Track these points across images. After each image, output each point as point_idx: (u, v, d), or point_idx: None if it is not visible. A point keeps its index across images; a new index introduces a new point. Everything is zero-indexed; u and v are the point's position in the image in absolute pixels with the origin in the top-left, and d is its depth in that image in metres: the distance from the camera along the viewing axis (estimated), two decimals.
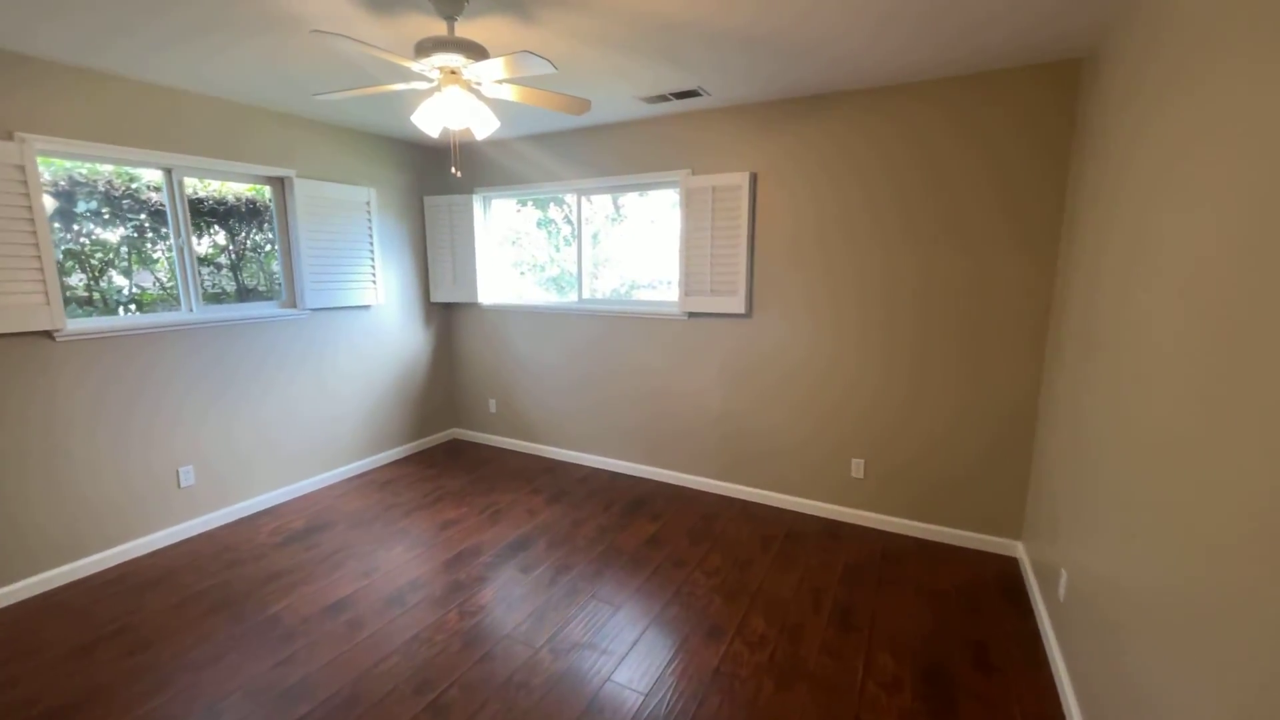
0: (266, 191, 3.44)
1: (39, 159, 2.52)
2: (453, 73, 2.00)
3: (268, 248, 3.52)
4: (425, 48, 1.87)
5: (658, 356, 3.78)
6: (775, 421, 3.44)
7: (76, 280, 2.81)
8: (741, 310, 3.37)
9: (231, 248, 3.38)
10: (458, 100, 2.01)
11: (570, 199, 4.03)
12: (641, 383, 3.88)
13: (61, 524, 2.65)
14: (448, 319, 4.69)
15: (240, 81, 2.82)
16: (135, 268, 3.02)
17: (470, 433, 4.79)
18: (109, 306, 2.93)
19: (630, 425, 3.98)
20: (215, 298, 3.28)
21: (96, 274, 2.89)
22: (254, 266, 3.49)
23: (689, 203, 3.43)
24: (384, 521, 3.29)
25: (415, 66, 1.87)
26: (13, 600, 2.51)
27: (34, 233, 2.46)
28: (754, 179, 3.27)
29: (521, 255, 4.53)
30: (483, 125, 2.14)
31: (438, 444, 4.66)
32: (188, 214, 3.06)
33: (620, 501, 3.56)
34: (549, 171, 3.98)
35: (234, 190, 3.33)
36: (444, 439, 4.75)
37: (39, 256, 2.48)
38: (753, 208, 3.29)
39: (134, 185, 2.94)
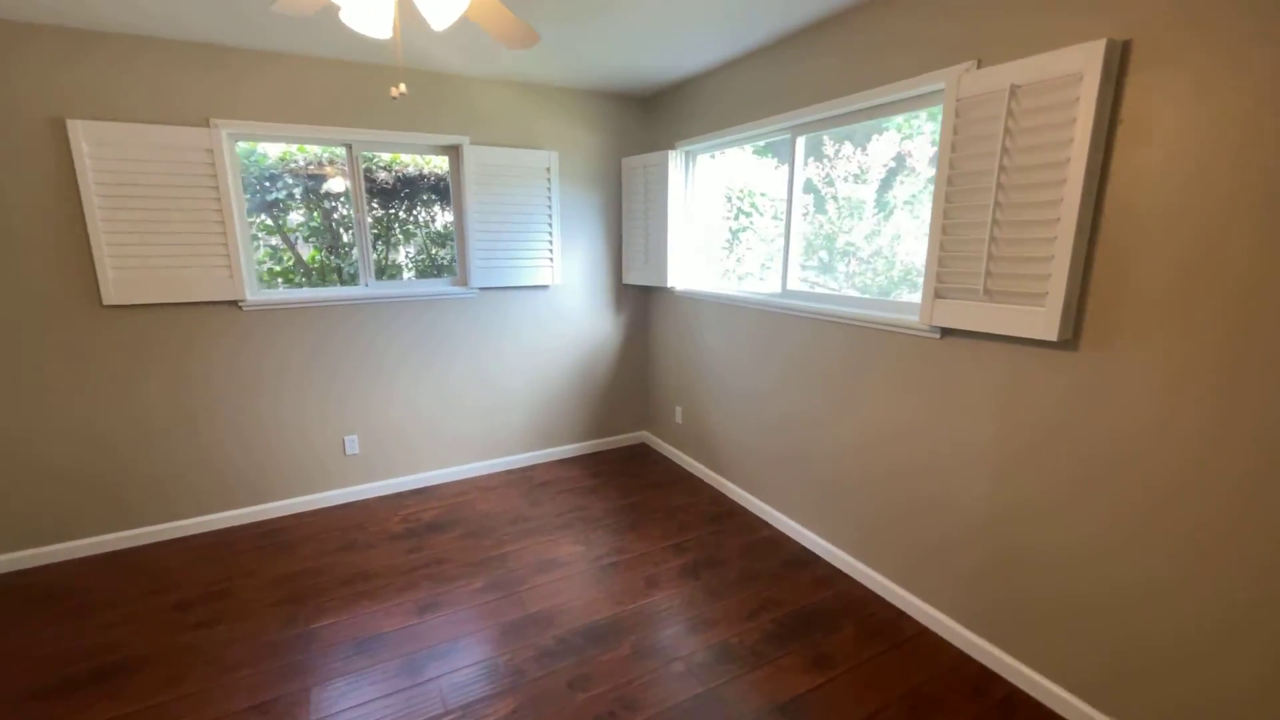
0: (446, 163, 3.26)
1: (229, 142, 2.71)
2: None
3: (442, 223, 3.38)
4: None
5: (881, 390, 2.31)
6: (1092, 540, 1.67)
7: (267, 253, 3.06)
8: (1051, 334, 1.66)
9: (408, 222, 3.32)
10: None
11: (793, 143, 2.75)
12: (854, 427, 2.46)
13: (247, 471, 2.98)
14: (644, 305, 3.99)
15: (414, 46, 2.56)
16: (319, 243, 3.19)
17: (658, 441, 4.06)
18: (298, 279, 3.15)
19: (830, 483, 2.61)
20: (395, 273, 3.28)
21: (289, 248, 3.12)
22: (428, 242, 3.39)
23: (961, 123, 1.83)
24: (496, 539, 2.84)
25: None
26: (197, 530, 2.92)
27: (220, 210, 2.67)
28: (1119, 57, 1.50)
29: (739, 229, 3.46)
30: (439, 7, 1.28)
31: (623, 446, 4.07)
32: (364, 189, 3.05)
33: (786, 604, 2.32)
34: (755, 104, 2.79)
35: (416, 162, 3.24)
36: (632, 441, 4.13)
37: (224, 234, 2.69)
38: (1108, 124, 1.53)
39: (316, 162, 3.04)
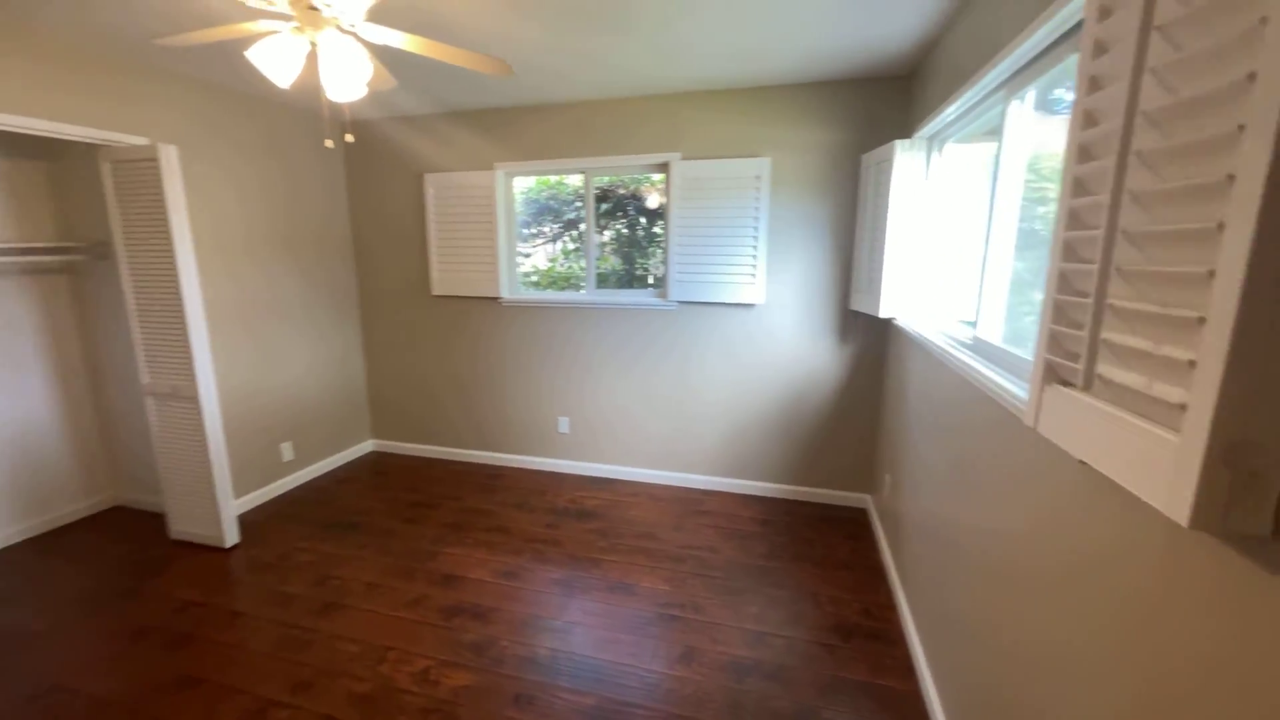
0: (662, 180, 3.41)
1: (504, 179, 3.59)
2: (310, 8, 1.46)
3: (651, 237, 3.54)
4: None
5: None
6: None
7: (528, 262, 3.88)
8: None
9: (638, 238, 3.62)
10: (326, 47, 1.49)
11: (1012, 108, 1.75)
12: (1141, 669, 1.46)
13: (495, 425, 3.94)
14: (881, 338, 3.16)
15: (623, 76, 2.89)
16: (561, 255, 3.83)
17: (877, 514, 3.19)
18: (543, 284, 3.88)
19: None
20: (619, 282, 3.66)
21: (551, 259, 3.88)
22: (641, 255, 3.61)
23: None
24: (610, 545, 2.90)
25: (253, 2, 1.49)
26: (459, 458, 4.01)
27: (492, 230, 3.60)
28: None
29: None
30: (348, 82, 1.49)
31: (828, 504, 3.38)
32: (594, 208, 3.52)
33: None
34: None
35: (636, 180, 3.51)
36: (844, 502, 3.37)
37: (493, 247, 3.61)
38: None
39: (561, 189, 3.68)
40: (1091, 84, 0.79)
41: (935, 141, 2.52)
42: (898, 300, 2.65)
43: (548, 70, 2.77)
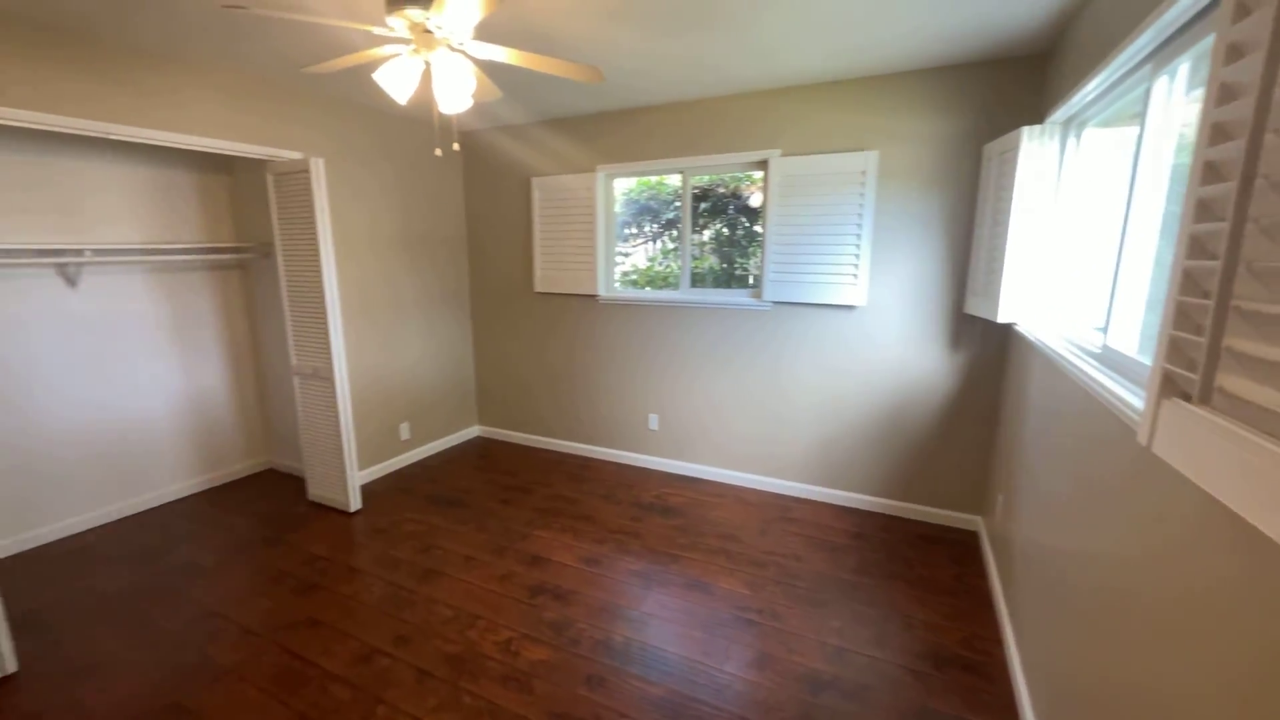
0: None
1: (605, 181, 3.70)
2: (425, 31, 1.62)
3: (749, 236, 3.47)
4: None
5: None
6: None
7: (627, 261, 3.95)
8: None
9: (736, 237, 3.58)
10: (438, 65, 1.65)
11: None
12: None
13: (587, 417, 4.08)
14: (1000, 346, 2.88)
15: (718, 75, 2.89)
16: (660, 255, 3.86)
17: (988, 538, 2.92)
18: (641, 283, 3.94)
19: None
20: (716, 281, 3.65)
21: (651, 258, 3.94)
22: (741, 255, 3.55)
23: None
24: (691, 542, 2.90)
25: (377, 30, 1.67)
26: (551, 447, 4.19)
27: (591, 230, 3.73)
28: None
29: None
30: (456, 96, 1.64)
31: (933, 524, 3.13)
32: (690, 208, 3.53)
33: None
34: None
35: (736, 179, 3.47)
36: (955, 524, 3.11)
37: (590, 245, 3.74)
38: None
39: (662, 189, 3.71)
40: (1231, 52, 0.67)
41: (1071, 126, 2.24)
42: (1019, 304, 2.40)
43: (645, 74, 2.83)
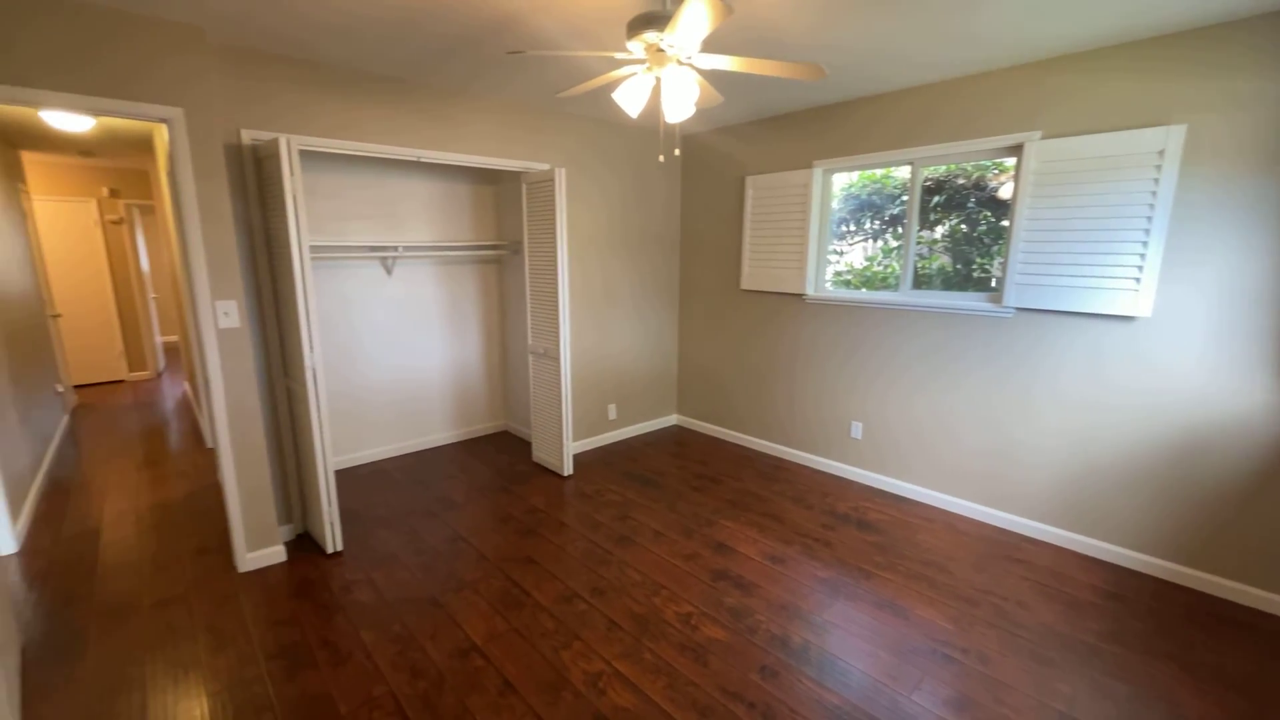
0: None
1: (822, 177, 3.57)
2: (658, 50, 1.78)
3: (996, 232, 3.02)
4: (633, 26, 1.82)
5: None
6: None
7: (841, 260, 3.75)
8: None
9: (965, 233, 3.18)
10: (668, 79, 1.83)
11: None
12: None
13: (785, 417, 4.00)
14: None
15: (971, 49, 2.59)
16: (881, 253, 3.58)
17: None
18: (855, 283, 3.70)
19: None
20: (947, 283, 3.29)
21: (870, 257, 3.70)
22: (982, 254, 3.12)
23: None
24: (887, 562, 2.67)
25: (619, 55, 1.86)
26: (741, 442, 4.18)
27: (803, 227, 3.64)
28: None
29: None
30: (682, 105, 1.78)
31: (1248, 609, 2.40)
32: (919, 202, 3.23)
33: None
34: None
35: (981, 168, 3.06)
36: (1277, 610, 2.35)
37: (801, 243, 3.66)
38: None
39: (887, 183, 3.44)
40: None
41: None
42: None
43: (877, 56, 2.67)
